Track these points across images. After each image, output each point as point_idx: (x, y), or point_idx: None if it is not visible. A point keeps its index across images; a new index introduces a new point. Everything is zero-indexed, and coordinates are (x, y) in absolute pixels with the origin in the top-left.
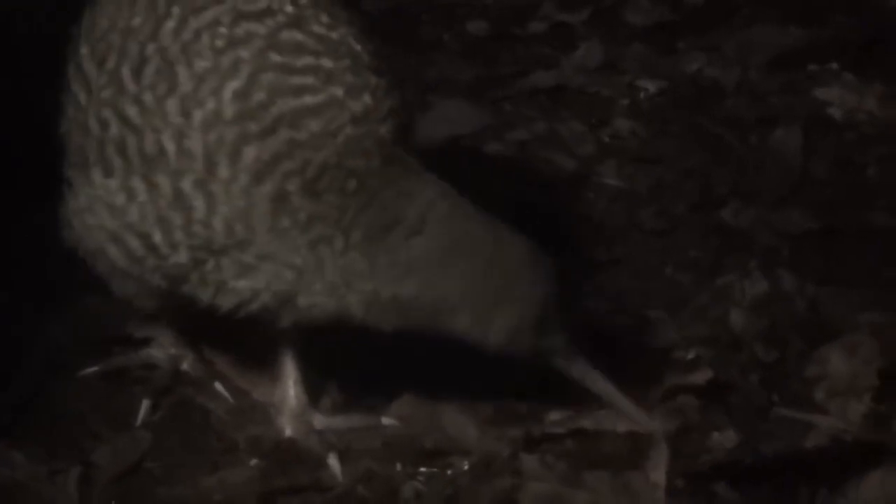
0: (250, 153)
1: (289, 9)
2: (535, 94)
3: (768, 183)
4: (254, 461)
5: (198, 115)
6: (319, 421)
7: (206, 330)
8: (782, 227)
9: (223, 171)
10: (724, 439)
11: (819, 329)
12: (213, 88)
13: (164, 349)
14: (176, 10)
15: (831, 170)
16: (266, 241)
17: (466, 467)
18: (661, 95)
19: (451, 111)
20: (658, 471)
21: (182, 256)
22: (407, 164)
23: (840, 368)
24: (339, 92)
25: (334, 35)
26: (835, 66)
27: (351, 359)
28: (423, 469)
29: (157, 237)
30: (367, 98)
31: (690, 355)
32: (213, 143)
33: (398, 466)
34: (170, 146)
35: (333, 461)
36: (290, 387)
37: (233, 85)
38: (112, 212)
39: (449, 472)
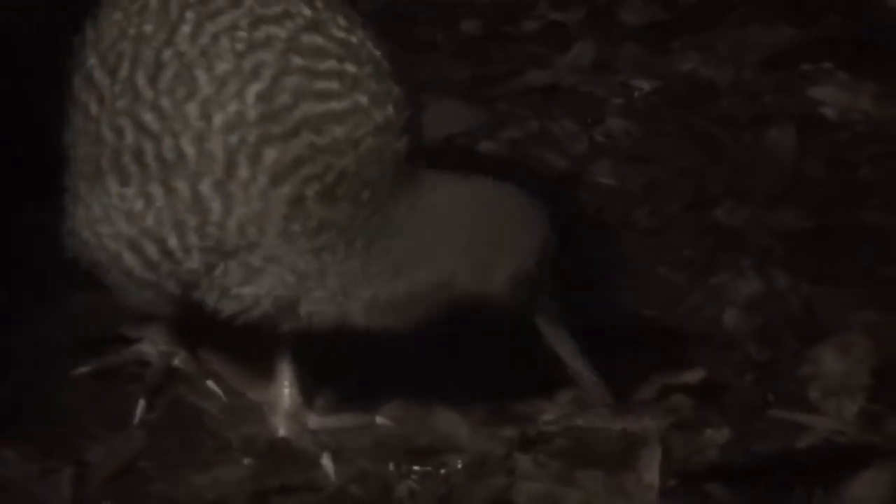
0: (271, 155)
1: (306, 12)
2: (529, 94)
3: (762, 182)
4: (247, 460)
5: (219, 118)
6: (313, 421)
7: (202, 329)
8: (776, 226)
9: (243, 172)
10: (718, 438)
11: (813, 328)
12: (235, 91)
13: (155, 345)
14: (190, 16)
15: (825, 169)
16: (274, 244)
17: (460, 466)
18: (655, 95)
19: (445, 110)
20: (651, 471)
21: (195, 261)
22: (417, 179)
23: (834, 368)
24: (364, 100)
25: (354, 39)
26: (828, 65)
27: (344, 358)
28: (416, 468)
29: (173, 241)
30: (390, 109)
31: (684, 355)
32: (235, 144)
33: (391, 466)
34: (189, 149)
35: (327, 461)
36: (284, 387)
37: (256, 87)
38: (129, 218)
39: (442, 471)
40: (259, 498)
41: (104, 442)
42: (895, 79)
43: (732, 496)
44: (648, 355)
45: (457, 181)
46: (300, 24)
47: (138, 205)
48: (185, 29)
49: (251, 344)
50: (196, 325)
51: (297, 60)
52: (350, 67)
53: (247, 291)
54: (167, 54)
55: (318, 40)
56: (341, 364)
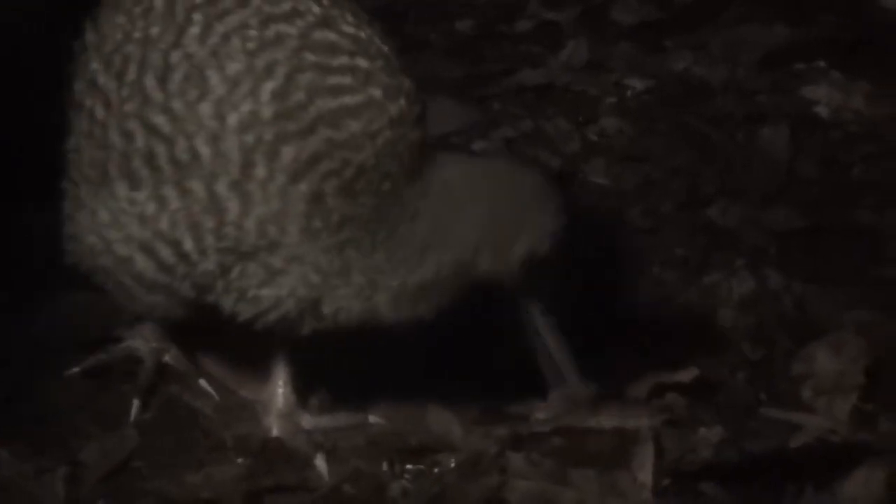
0: (289, 153)
1: (315, 9)
2: (522, 92)
3: (755, 181)
4: (241, 460)
5: (233, 117)
6: (307, 421)
7: (197, 329)
8: (769, 225)
9: (260, 171)
10: (712, 437)
11: (806, 327)
12: (249, 90)
13: (146, 342)
14: (198, 17)
15: (818, 168)
16: (296, 243)
17: (453, 465)
18: (648, 94)
19: (439, 109)
20: (645, 469)
21: (210, 262)
22: (432, 162)
23: (827, 366)
24: (377, 93)
25: (363, 34)
26: (822, 64)
27: (338, 358)
28: (409, 467)
29: (188, 244)
30: (402, 101)
31: (677, 354)
32: (251, 143)
33: (385, 465)
34: (204, 150)
35: (320, 461)
36: (278, 387)
37: (270, 86)
38: (142, 222)
39: (436, 470)
40: (253, 497)
41: (98, 441)
42: (888, 78)
43: (726, 495)
44: (642, 354)
45: (472, 160)
46: (311, 22)
47: (151, 208)
48: (194, 30)
49: (246, 343)
50: (191, 324)
51: (310, 57)
52: (362, 62)
53: (266, 293)
54: (176, 56)
55: (330, 36)
56: (334, 363)
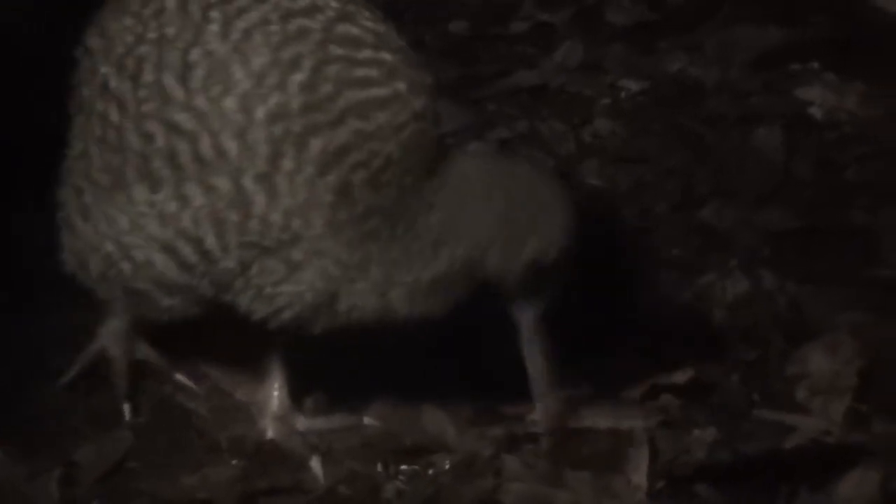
0: (318, 144)
1: (334, 4)
2: (517, 94)
3: (749, 182)
4: (236, 461)
5: (261, 111)
6: (301, 423)
7: (192, 332)
8: (763, 226)
9: (288, 163)
10: (706, 438)
11: (800, 328)
12: (276, 83)
13: (115, 341)
14: (216, 15)
15: (812, 169)
16: (320, 235)
17: (448, 467)
18: (642, 95)
19: None
20: (639, 471)
21: (232, 259)
22: (448, 159)
23: (821, 368)
24: (402, 87)
25: (381, 29)
26: (816, 65)
27: (332, 360)
28: (404, 468)
29: (210, 240)
30: (424, 96)
31: (672, 355)
32: (279, 135)
33: (379, 466)
34: (230, 144)
35: (315, 463)
36: (274, 389)
37: (297, 78)
38: (162, 221)
39: (430, 471)
40: (248, 499)
41: (93, 442)
42: (882, 79)
43: (720, 496)
44: (636, 355)
45: (491, 159)
46: (331, 16)
47: (172, 206)
48: (213, 28)
49: (241, 345)
50: (186, 327)
51: (336, 50)
52: (386, 55)
53: (284, 289)
54: (196, 54)
55: (353, 30)
56: (329, 365)
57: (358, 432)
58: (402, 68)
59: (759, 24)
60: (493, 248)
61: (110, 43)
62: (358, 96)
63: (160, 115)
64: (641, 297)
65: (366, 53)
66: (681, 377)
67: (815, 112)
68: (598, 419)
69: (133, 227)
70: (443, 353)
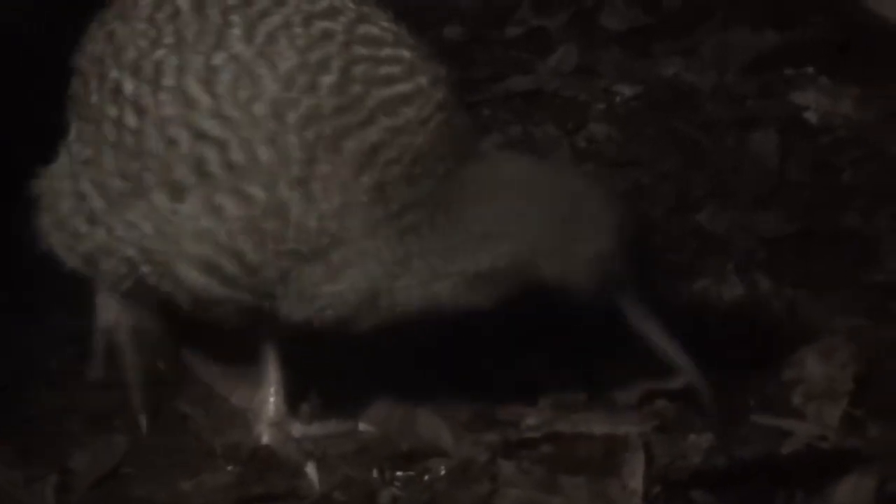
0: (351, 145)
1: (350, 5)
2: (512, 98)
3: (745, 186)
4: (231, 467)
5: (292, 115)
6: (297, 429)
7: (188, 336)
8: (759, 230)
9: (323, 168)
10: (701, 443)
11: (796, 332)
12: (306, 86)
13: (116, 323)
14: (236, 19)
15: (807, 173)
16: (358, 236)
17: (443, 472)
18: (637, 99)
19: None
20: (635, 476)
21: (271, 269)
22: (488, 157)
23: (816, 372)
24: (423, 81)
25: (396, 28)
26: (810, 69)
27: (327, 365)
28: (399, 474)
29: (250, 252)
30: (443, 87)
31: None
32: (312, 139)
33: (375, 472)
34: (263, 151)
35: (311, 469)
36: (269, 395)
37: (327, 80)
38: (198, 237)
39: (426, 477)
40: None
41: (88, 447)
42: (876, 83)
43: (716, 501)
44: (631, 360)
45: (535, 160)
46: (352, 17)
47: (206, 220)
48: (236, 32)
49: (235, 349)
50: (182, 331)
51: (360, 50)
52: (405, 53)
53: (326, 289)
54: (220, 58)
55: (373, 30)
56: (324, 370)
57: (353, 438)
58: (420, 63)
59: (754, 29)
60: (545, 252)
61: (120, 48)
62: (384, 94)
63: (184, 121)
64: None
65: (387, 52)
66: (676, 382)
67: (811, 116)
68: (593, 424)
69: (158, 233)
70: (438, 359)
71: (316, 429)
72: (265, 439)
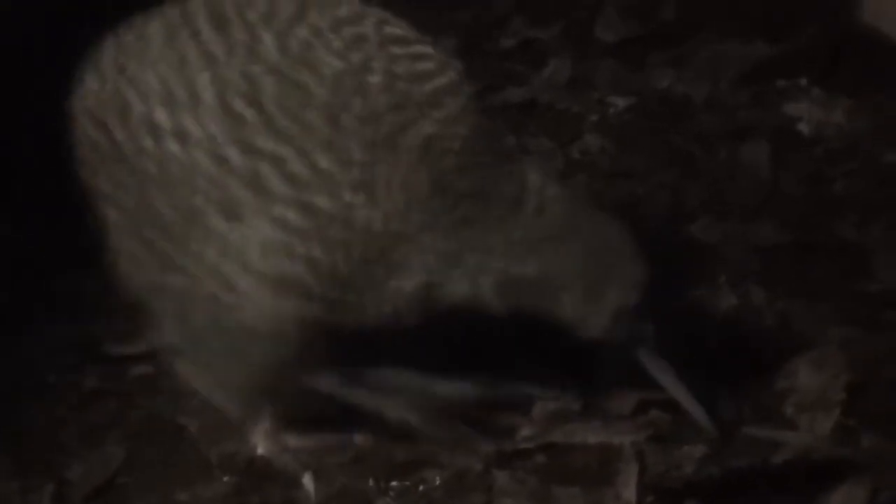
0: (407, 141)
1: (369, 10)
2: (506, 110)
3: (738, 197)
4: (227, 478)
5: (346, 119)
6: (293, 440)
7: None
8: (752, 241)
9: (382, 169)
10: (695, 453)
11: (789, 343)
12: (355, 88)
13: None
14: (264, 33)
15: (800, 184)
16: (417, 230)
17: (439, 482)
18: (631, 111)
19: None
20: (629, 486)
21: (340, 273)
22: (507, 145)
23: (809, 382)
24: (454, 75)
25: (409, 28)
26: (803, 81)
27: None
28: (395, 484)
29: (322, 262)
30: (466, 83)
31: None
32: (369, 141)
33: (370, 482)
34: (322, 159)
35: (307, 480)
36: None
37: (373, 80)
38: (265, 253)
39: (421, 487)
40: None
41: (83, 458)
42: (868, 94)
43: None
44: (625, 370)
45: (580, 200)
46: (375, 20)
47: (273, 236)
48: (268, 43)
49: None
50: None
51: (396, 49)
52: (430, 50)
53: (391, 285)
54: (256, 70)
55: (397, 31)
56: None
57: (349, 448)
58: (444, 59)
59: (746, 40)
60: (569, 294)
61: (138, 80)
62: (426, 89)
63: (234, 137)
64: None
65: (416, 49)
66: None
67: (803, 127)
68: (587, 434)
69: (222, 254)
70: (433, 369)
71: (312, 440)
72: (261, 450)
